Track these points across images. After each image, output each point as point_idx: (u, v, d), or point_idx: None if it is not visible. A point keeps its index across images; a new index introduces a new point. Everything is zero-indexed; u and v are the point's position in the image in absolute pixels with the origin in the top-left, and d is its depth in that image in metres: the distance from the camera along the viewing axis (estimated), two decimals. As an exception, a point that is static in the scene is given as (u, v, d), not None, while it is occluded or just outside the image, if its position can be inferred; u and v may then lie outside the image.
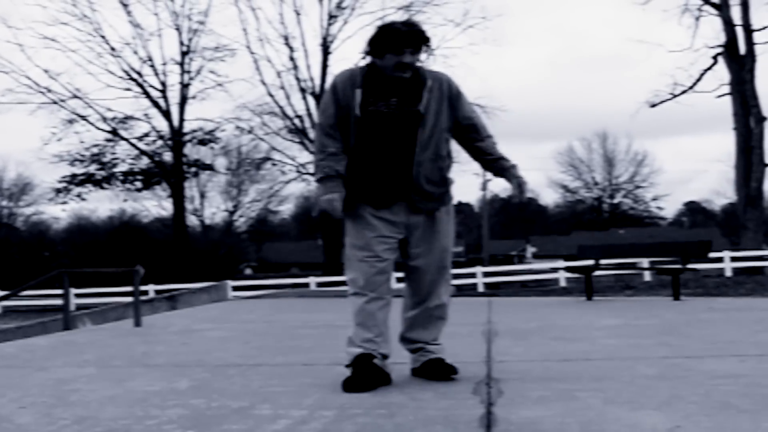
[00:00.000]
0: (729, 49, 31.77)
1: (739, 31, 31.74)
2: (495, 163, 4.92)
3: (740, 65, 31.38)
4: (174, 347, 7.39)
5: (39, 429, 3.80)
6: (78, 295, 29.86)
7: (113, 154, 46.59)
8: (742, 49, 31.60)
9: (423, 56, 4.77)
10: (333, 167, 4.72)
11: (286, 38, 42.42)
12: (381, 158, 4.70)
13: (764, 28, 31.81)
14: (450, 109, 4.80)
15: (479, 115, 5.05)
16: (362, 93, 4.69)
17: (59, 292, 12.61)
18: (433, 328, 4.97)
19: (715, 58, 32.58)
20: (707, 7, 32.83)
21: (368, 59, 4.79)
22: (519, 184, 4.83)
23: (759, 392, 4.20)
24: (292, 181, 48.36)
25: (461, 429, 3.51)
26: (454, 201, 5.06)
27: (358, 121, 4.68)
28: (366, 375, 4.63)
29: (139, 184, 48.45)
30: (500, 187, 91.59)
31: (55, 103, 42.86)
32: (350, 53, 74.48)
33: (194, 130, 46.76)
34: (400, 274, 5.03)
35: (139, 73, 44.36)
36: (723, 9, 31.95)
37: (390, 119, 4.68)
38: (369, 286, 4.73)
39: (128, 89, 44.32)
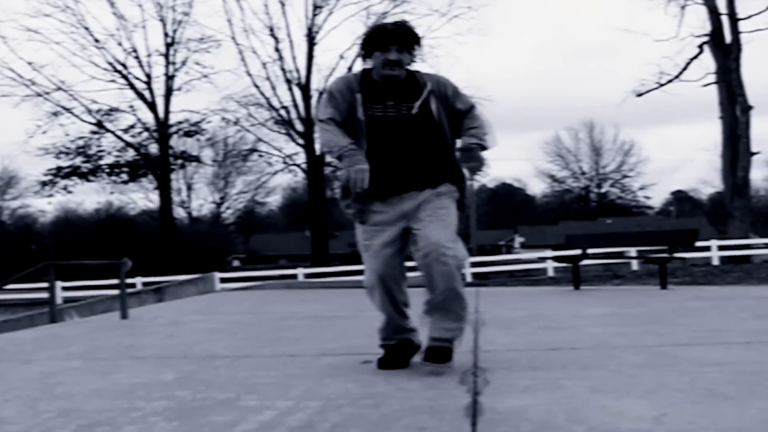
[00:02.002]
0: (715, 38, 31.79)
1: (725, 20, 31.75)
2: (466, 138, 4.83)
3: (726, 54, 31.40)
4: (160, 339, 7.37)
5: (23, 422, 3.78)
6: (65, 288, 29.77)
7: (99, 146, 46.39)
8: (728, 38, 31.62)
9: (414, 56, 4.83)
10: (348, 142, 4.72)
11: (271, 29, 42.34)
12: (386, 160, 4.73)
13: (750, 16, 31.85)
14: (451, 108, 4.85)
15: (478, 106, 5.02)
16: (362, 97, 4.78)
17: (46, 285, 12.56)
18: (445, 312, 4.78)
19: (701, 47, 32.58)
20: (693, -4, 32.86)
21: (364, 64, 4.89)
22: (469, 168, 4.78)
23: (744, 380, 4.22)
24: (279, 173, 48.29)
25: (447, 418, 3.51)
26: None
27: (363, 124, 4.75)
28: (398, 355, 4.99)
29: (125, 177, 48.22)
30: (488, 177, 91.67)
31: (39, 95, 42.64)
32: (336, 44, 74.67)
33: (180, 122, 46.61)
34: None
35: (123, 65, 44.19)
36: (709, -2, 31.99)
37: (387, 122, 4.74)
38: (387, 274, 4.83)
39: (113, 81, 44.13)
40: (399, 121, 4.74)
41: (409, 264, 4.90)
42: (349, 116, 4.79)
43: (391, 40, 4.70)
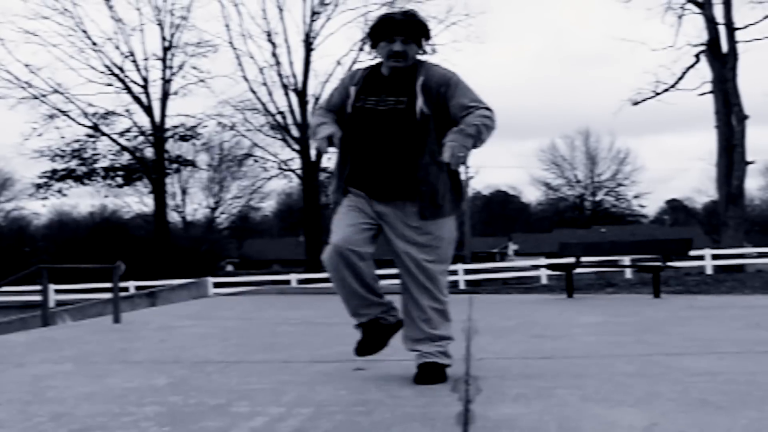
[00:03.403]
0: (711, 48, 31.87)
1: (722, 30, 31.83)
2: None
3: (722, 63, 31.47)
4: (153, 344, 7.36)
5: (14, 426, 3.77)
6: (58, 291, 29.73)
7: (94, 149, 46.41)
8: (725, 47, 31.70)
9: (422, 48, 4.72)
10: (321, 121, 4.73)
11: (268, 34, 42.36)
12: (367, 153, 4.63)
13: (747, 26, 31.93)
14: (446, 105, 4.60)
15: (481, 100, 4.64)
16: (358, 90, 4.71)
17: (39, 288, 12.55)
18: (430, 324, 4.67)
19: (697, 56, 32.67)
20: (690, 6, 32.92)
21: (371, 54, 4.82)
22: (451, 149, 4.38)
23: (736, 389, 4.22)
24: (274, 178, 48.42)
25: (438, 426, 3.51)
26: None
27: (348, 118, 4.69)
28: (371, 338, 4.78)
29: (120, 180, 48.28)
30: (483, 184, 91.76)
31: (35, 98, 42.61)
32: (333, 50, 74.75)
33: (176, 126, 46.63)
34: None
35: (120, 69, 44.16)
36: (706, 7, 32.04)
37: (375, 115, 4.62)
38: (351, 246, 4.54)
39: (110, 84, 44.10)
40: (386, 116, 4.59)
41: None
42: (341, 108, 4.76)
43: (396, 31, 4.59)
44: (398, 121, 4.58)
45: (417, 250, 4.62)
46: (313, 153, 41.57)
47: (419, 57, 4.76)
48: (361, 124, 4.65)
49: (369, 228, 4.64)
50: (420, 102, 4.57)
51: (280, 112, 42.91)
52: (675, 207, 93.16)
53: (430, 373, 4.62)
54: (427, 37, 4.76)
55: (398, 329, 4.80)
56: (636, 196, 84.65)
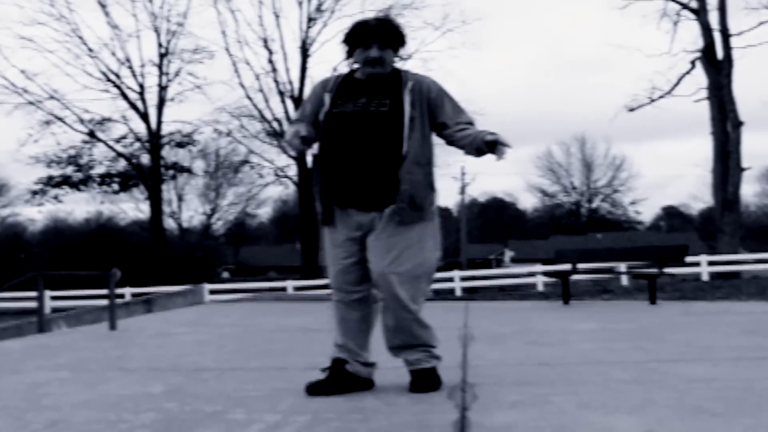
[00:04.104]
0: (707, 54, 31.90)
1: (717, 36, 31.88)
2: (470, 138, 4.56)
3: (718, 70, 31.51)
4: (149, 351, 7.35)
5: (10, 433, 3.77)
6: (54, 298, 29.67)
7: (90, 156, 46.43)
8: (720, 53, 31.74)
9: (399, 53, 4.70)
10: (298, 123, 4.70)
11: (265, 41, 42.43)
12: (345, 158, 4.55)
13: (742, 33, 31.98)
14: (432, 113, 4.63)
15: (467, 114, 4.76)
16: (333, 96, 4.66)
17: (34, 294, 12.51)
18: (405, 334, 4.63)
19: (693, 62, 32.70)
20: (685, 12, 32.96)
21: (351, 63, 4.78)
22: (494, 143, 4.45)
23: (732, 396, 4.22)
24: (270, 185, 48.41)
25: (435, 433, 3.51)
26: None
27: (324, 124, 4.63)
28: (328, 380, 4.65)
29: (116, 187, 48.28)
30: (479, 191, 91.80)
31: (31, 104, 42.60)
32: (329, 56, 74.77)
33: (172, 133, 46.67)
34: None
35: (117, 75, 44.17)
36: (701, 14, 32.10)
37: (355, 118, 4.56)
38: (338, 287, 4.71)
39: (106, 91, 44.11)
40: (366, 117, 4.54)
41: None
42: (316, 117, 4.69)
43: (372, 38, 4.55)
44: (381, 123, 4.53)
45: (393, 258, 4.51)
46: (309, 159, 41.58)
47: (399, 65, 4.76)
48: (340, 128, 4.59)
49: (356, 259, 4.63)
50: (408, 105, 4.54)
51: (277, 119, 42.98)
52: (671, 213, 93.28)
53: (424, 381, 4.60)
54: (403, 42, 4.72)
55: (363, 388, 4.71)
56: (632, 203, 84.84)
